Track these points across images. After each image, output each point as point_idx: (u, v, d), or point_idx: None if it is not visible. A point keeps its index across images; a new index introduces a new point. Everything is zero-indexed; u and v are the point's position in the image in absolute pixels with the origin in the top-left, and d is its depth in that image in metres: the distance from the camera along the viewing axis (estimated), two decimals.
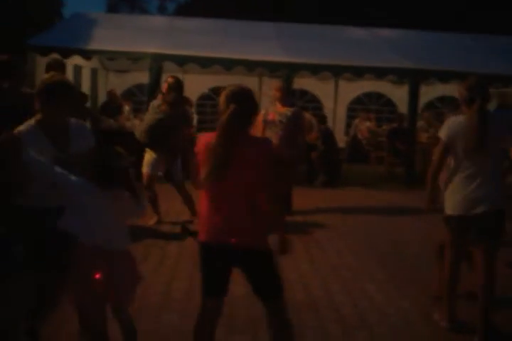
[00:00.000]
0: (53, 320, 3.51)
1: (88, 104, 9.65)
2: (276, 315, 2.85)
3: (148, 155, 6.29)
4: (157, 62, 9.27)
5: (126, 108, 11.07)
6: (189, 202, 6.36)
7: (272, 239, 2.81)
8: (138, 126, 6.16)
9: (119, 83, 13.09)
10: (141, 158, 6.39)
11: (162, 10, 44.93)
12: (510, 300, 4.39)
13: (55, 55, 8.21)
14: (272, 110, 6.81)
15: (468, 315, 3.82)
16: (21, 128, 3.06)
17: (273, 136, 6.62)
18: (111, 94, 11.29)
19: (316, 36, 11.43)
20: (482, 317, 3.59)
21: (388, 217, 7.22)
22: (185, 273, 4.68)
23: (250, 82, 12.72)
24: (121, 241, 2.91)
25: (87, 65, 11.19)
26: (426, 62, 9.85)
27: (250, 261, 2.80)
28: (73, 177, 2.81)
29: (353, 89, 13.49)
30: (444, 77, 9.96)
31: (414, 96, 9.73)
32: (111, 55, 9.77)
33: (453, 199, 3.63)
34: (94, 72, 12.18)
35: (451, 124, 3.61)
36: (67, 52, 8.89)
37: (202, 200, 2.83)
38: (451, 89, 10.75)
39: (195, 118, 10.74)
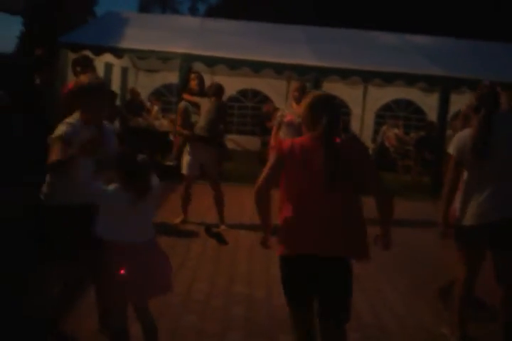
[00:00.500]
0: (73, 317, 3.53)
1: (117, 103, 9.74)
2: (336, 337, 2.75)
3: (186, 157, 6.29)
4: (187, 63, 9.31)
5: (155, 108, 11.14)
6: (220, 204, 6.34)
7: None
8: (196, 122, 6.19)
9: (148, 82, 13.20)
10: (166, 154, 6.43)
11: (193, 11, 45.24)
12: None
13: (87, 52, 8.29)
14: (289, 111, 6.75)
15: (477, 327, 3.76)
16: (66, 128, 3.08)
17: (288, 137, 6.57)
18: (133, 92, 11.39)
19: (347, 41, 11.36)
20: (504, 331, 3.51)
21: (412, 227, 7.10)
22: (207, 275, 4.68)
23: (278, 85, 12.75)
24: (145, 233, 2.92)
25: (117, 64, 11.29)
26: (457, 70, 9.73)
27: (328, 269, 2.71)
28: (107, 189, 2.84)
29: (382, 96, 13.34)
30: (475, 86, 9.79)
31: (444, 104, 9.61)
32: (141, 54, 9.84)
33: (465, 210, 3.56)
34: (124, 71, 12.29)
35: (459, 138, 3.57)
36: (98, 50, 8.98)
37: (288, 210, 2.73)
38: None
39: None
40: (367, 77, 10.81)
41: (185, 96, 6.59)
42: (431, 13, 23.58)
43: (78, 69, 5.39)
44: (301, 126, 7.02)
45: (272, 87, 12.94)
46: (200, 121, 6.22)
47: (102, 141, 3.12)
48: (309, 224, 2.68)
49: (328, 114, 2.75)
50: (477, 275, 3.69)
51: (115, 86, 11.39)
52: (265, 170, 2.77)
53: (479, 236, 3.54)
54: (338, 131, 2.77)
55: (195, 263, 4.99)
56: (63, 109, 3.24)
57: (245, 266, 4.97)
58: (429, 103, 12.60)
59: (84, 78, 3.28)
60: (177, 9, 45.74)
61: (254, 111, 13.48)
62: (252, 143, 12.25)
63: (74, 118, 3.18)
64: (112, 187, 2.83)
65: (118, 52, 9.57)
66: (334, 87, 12.43)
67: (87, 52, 8.41)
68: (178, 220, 6.30)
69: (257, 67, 9.73)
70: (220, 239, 4.65)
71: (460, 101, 11.77)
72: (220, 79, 11.51)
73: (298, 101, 6.52)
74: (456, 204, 3.65)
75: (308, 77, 9.64)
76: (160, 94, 12.95)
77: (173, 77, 10.60)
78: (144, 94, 12.64)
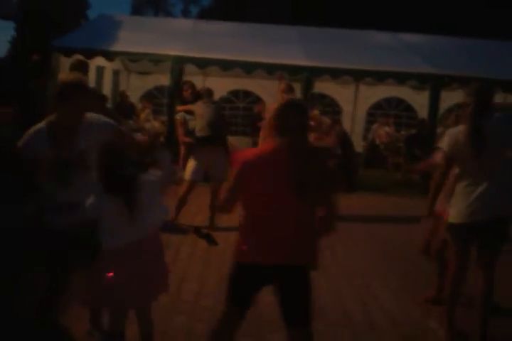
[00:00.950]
0: (64, 317, 3.56)
1: (108, 106, 9.76)
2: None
3: (191, 162, 6.30)
4: (178, 65, 9.35)
5: (147, 110, 11.18)
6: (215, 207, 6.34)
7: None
8: (195, 122, 6.27)
9: (140, 85, 13.22)
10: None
11: (186, 13, 45.22)
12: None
13: (79, 56, 8.33)
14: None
15: (463, 321, 3.78)
16: (31, 129, 3.12)
17: None
18: (122, 95, 11.43)
19: (339, 40, 11.41)
20: (481, 325, 3.57)
21: (403, 224, 7.13)
22: (196, 275, 4.71)
23: (270, 85, 12.77)
24: (142, 232, 2.88)
25: (109, 66, 11.32)
26: (448, 68, 9.78)
27: (290, 278, 2.69)
28: (90, 200, 2.79)
29: (373, 94, 13.41)
30: (465, 83, 9.86)
31: (434, 101, 9.66)
32: (133, 57, 9.88)
33: (456, 208, 3.60)
34: (116, 74, 12.32)
35: (451, 134, 3.59)
36: (89, 53, 8.99)
37: (251, 222, 2.70)
38: None
39: None
40: (358, 76, 10.85)
41: (179, 108, 6.71)
42: (422, 11, 23.63)
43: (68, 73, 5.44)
44: None
45: (263, 88, 12.97)
46: (198, 123, 6.26)
47: (76, 139, 3.12)
48: (272, 233, 2.64)
49: (298, 122, 2.66)
50: (466, 271, 3.73)
51: (107, 89, 11.43)
52: (226, 191, 2.69)
53: (468, 234, 3.59)
54: (306, 139, 2.70)
55: (185, 263, 5.00)
56: (50, 111, 3.23)
57: None
58: (419, 101, 12.65)
59: (60, 76, 3.29)
60: (170, 12, 45.74)
61: (246, 112, 13.52)
62: (243, 143, 12.26)
63: (48, 119, 3.17)
64: (93, 198, 2.78)
65: (110, 55, 9.61)
66: (326, 87, 12.50)
67: (79, 56, 8.44)
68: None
69: (248, 68, 9.78)
70: (210, 240, 4.68)
71: (450, 99, 11.88)
72: (211, 80, 11.59)
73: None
74: (444, 199, 3.70)
75: (300, 77, 9.70)
76: (152, 96, 12.97)
77: (165, 79, 10.63)
78: (136, 96, 12.65)
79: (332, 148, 9.51)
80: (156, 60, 9.71)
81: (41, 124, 3.16)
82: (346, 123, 13.06)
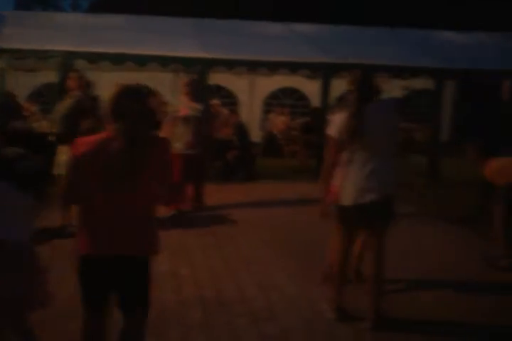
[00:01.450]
0: None
1: None
2: (135, 327, 2.75)
3: (63, 156, 5.99)
4: (67, 60, 9.00)
5: (33, 109, 10.71)
6: None
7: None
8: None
9: (28, 83, 12.60)
10: (50, 156, 6.06)
11: (76, 7, 43.55)
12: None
13: None
14: (183, 105, 6.75)
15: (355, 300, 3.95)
16: None
17: (186, 131, 6.60)
18: (8, 95, 10.90)
19: (234, 31, 11.39)
20: (373, 303, 3.75)
21: (301, 208, 7.22)
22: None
23: (165, 78, 12.62)
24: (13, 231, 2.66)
25: None
26: (338, 56, 10.03)
27: (127, 267, 2.67)
28: None
29: (268, 85, 13.58)
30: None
31: (326, 90, 9.93)
32: (19, 54, 9.39)
33: (344, 191, 3.73)
34: (2, 73, 11.67)
35: (338, 120, 3.72)
36: None
37: (86, 213, 2.66)
38: None
39: None
40: (252, 67, 10.95)
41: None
42: (313, 1, 24.15)
43: None
44: (198, 119, 6.89)
45: (157, 81, 12.79)
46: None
47: None
48: (103, 224, 2.62)
49: (131, 108, 2.59)
50: (352, 251, 3.89)
51: None
52: (64, 179, 2.65)
53: (357, 215, 3.73)
54: (144, 126, 2.63)
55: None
56: None
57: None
58: (312, 89, 12.95)
59: None
60: (59, 6, 43.84)
61: None
62: None
63: None
64: None
65: None
66: (221, 78, 12.51)
67: None
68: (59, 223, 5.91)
69: (140, 61, 9.58)
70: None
71: (341, 87, 12.26)
72: (103, 75, 11.24)
73: (189, 95, 6.67)
74: (337, 182, 3.83)
75: (195, 68, 9.64)
76: (40, 95, 12.43)
77: (54, 76, 10.20)
78: (24, 94, 12.07)
79: (230, 140, 9.60)
80: (44, 56, 9.28)
81: None
82: (243, 114, 13.16)
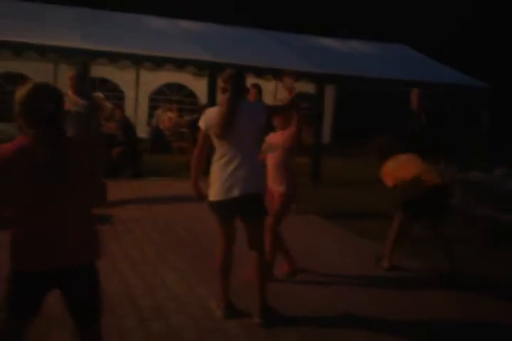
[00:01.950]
0: None
1: None
2: (94, 338, 2.63)
3: None
4: None
5: None
6: None
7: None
8: None
9: None
10: None
11: None
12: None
13: None
14: (66, 100, 6.48)
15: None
16: None
17: (70, 127, 6.33)
18: None
19: (119, 24, 11.11)
20: (260, 299, 3.84)
21: (188, 205, 7.20)
22: None
23: (45, 68, 12.03)
24: None
25: None
26: (224, 56, 10.09)
27: (75, 279, 2.53)
28: None
29: (154, 79, 13.42)
30: (241, 70, 10.30)
31: (212, 88, 9.95)
32: None
33: (213, 186, 3.78)
34: None
35: (208, 114, 3.80)
36: None
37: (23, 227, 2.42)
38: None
39: None
40: (136, 61, 10.71)
41: None
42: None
43: None
44: (81, 115, 6.61)
45: (36, 71, 12.15)
46: None
47: None
48: (43, 233, 2.42)
49: (50, 108, 2.42)
50: (233, 244, 3.94)
51: None
52: None
53: (227, 209, 3.80)
54: (62, 127, 2.48)
55: None
56: None
57: None
58: (200, 87, 12.98)
59: None
60: None
61: None
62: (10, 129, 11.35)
63: None
64: None
65: None
66: (104, 71, 12.16)
67: None
68: None
69: (16, 50, 9.01)
70: None
71: None
72: None
73: (74, 89, 6.59)
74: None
75: (76, 60, 9.23)
76: None
77: None
78: None
79: (114, 135, 9.32)
80: None
81: None
82: (129, 109, 12.93)
